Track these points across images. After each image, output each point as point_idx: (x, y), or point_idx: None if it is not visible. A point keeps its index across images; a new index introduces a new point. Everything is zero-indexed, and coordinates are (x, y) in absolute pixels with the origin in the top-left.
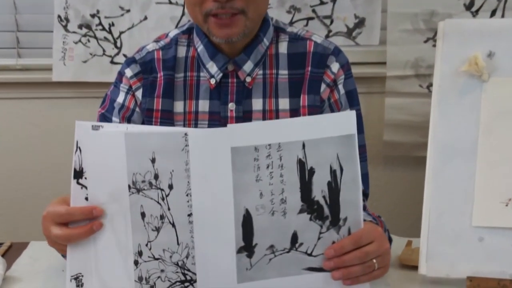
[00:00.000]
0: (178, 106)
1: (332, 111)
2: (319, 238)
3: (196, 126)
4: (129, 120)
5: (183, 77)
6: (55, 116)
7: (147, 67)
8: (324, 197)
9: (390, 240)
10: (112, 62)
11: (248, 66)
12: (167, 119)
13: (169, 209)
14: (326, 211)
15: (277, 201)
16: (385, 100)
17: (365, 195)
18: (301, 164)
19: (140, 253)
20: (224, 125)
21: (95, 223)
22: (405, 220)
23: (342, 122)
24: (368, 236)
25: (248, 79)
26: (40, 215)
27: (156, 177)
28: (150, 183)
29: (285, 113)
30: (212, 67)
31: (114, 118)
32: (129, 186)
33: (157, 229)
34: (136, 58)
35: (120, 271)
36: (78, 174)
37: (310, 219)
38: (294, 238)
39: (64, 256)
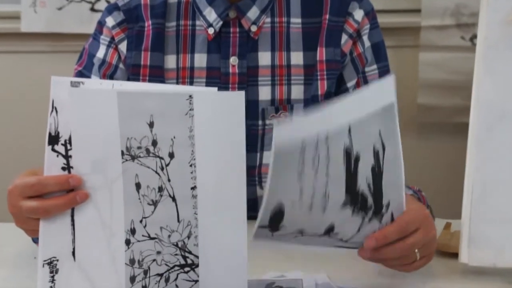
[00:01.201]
0: (170, 61)
1: (354, 66)
2: (358, 230)
3: (191, 84)
4: (111, 78)
5: (175, 27)
6: (24, 74)
7: (132, 14)
8: (368, 185)
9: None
10: (92, 9)
11: (253, 12)
12: (157, 76)
13: (169, 180)
14: (370, 200)
15: (319, 196)
16: (420, 55)
17: None
18: (348, 152)
19: (132, 231)
20: (225, 83)
21: (79, 192)
22: (443, 199)
23: (382, 90)
24: (414, 221)
25: (254, 28)
26: (5, 189)
27: (154, 143)
28: (148, 150)
29: (298, 69)
30: (211, 14)
31: (93, 77)
32: (122, 152)
33: (154, 203)
34: (119, 4)
35: (103, 254)
36: (54, 139)
37: (353, 213)
38: (330, 229)
39: (35, 240)
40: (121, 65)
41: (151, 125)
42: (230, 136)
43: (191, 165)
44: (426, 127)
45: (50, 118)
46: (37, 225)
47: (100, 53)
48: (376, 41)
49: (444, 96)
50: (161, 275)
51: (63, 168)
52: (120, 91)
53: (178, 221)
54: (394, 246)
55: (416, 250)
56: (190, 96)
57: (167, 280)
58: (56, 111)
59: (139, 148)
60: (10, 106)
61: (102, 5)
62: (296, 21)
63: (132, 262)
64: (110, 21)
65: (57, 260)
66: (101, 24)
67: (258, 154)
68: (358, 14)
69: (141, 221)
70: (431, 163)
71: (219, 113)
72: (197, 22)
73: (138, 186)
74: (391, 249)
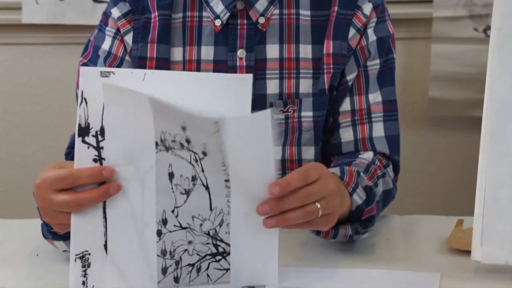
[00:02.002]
0: (176, 54)
1: (356, 59)
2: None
3: None
4: None
5: (182, 18)
6: (26, 66)
7: (138, 6)
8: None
9: (369, 198)
10: (95, 0)
11: (261, 3)
12: (164, 69)
13: (203, 171)
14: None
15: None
16: (431, 47)
17: (393, 161)
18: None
19: (164, 222)
20: None
21: (112, 184)
22: (455, 195)
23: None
24: (314, 170)
25: (262, 20)
26: (9, 184)
27: (188, 141)
28: (182, 144)
29: (306, 62)
30: (218, 5)
31: None
32: (156, 143)
33: (187, 192)
34: None
35: (135, 246)
36: (84, 131)
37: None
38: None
39: (47, 235)
40: (127, 57)
41: (183, 129)
42: (260, 156)
43: (223, 165)
44: (438, 121)
45: (79, 109)
46: (67, 219)
47: (106, 45)
48: (382, 35)
49: (456, 89)
50: (192, 265)
51: (95, 160)
52: (151, 98)
53: (211, 209)
54: (295, 193)
55: (318, 205)
56: (216, 122)
57: (198, 270)
58: (86, 102)
59: (173, 141)
60: (12, 99)
61: None
62: (305, 13)
63: (163, 253)
64: (115, 12)
65: (89, 254)
66: (106, 15)
67: None
68: (367, 7)
69: (172, 211)
70: (442, 159)
71: (246, 137)
72: (204, 14)
73: (171, 175)
74: (293, 198)
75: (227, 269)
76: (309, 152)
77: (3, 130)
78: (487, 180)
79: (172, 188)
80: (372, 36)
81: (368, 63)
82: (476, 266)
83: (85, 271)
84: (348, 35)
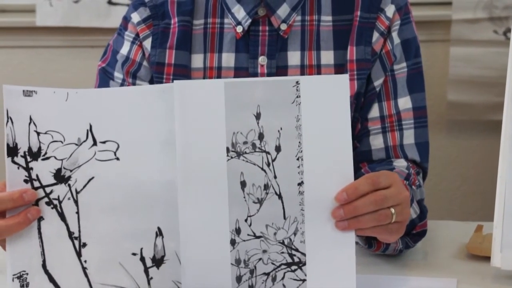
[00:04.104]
0: (197, 60)
1: (382, 64)
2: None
3: None
4: (134, 76)
5: (203, 25)
6: (40, 69)
7: (159, 11)
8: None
9: (422, 213)
10: (110, 2)
11: (283, 10)
12: (182, 75)
13: (275, 177)
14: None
15: None
16: (450, 50)
17: (422, 168)
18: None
19: (237, 231)
20: None
21: (29, 209)
22: (474, 200)
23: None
24: (386, 178)
25: (284, 27)
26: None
27: (261, 136)
28: (254, 145)
29: (328, 69)
30: (239, 12)
31: (116, 74)
32: (227, 149)
33: (260, 201)
34: (145, 0)
35: (75, 265)
36: (12, 151)
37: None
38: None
39: None
40: (144, 63)
41: (257, 116)
42: (336, 123)
43: (298, 159)
44: (456, 125)
45: (6, 129)
46: (3, 242)
47: (124, 50)
48: (407, 37)
49: (475, 93)
50: (267, 274)
51: (25, 181)
52: (227, 81)
53: (284, 218)
54: (366, 197)
55: (392, 210)
56: (297, 82)
57: (274, 279)
58: (12, 121)
59: (245, 143)
60: None
61: None
62: (326, 19)
63: (238, 262)
64: (135, 17)
65: (27, 274)
66: (126, 19)
67: None
68: (390, 10)
69: (246, 220)
70: (461, 163)
71: (325, 98)
72: (226, 20)
73: (243, 184)
74: (363, 201)
75: (304, 280)
76: None
77: None
78: (507, 185)
79: (244, 197)
80: (396, 39)
81: (395, 67)
82: (495, 272)
83: None
84: (371, 39)
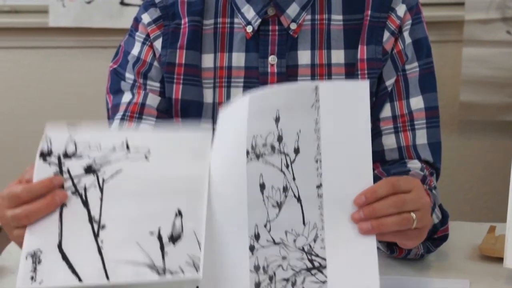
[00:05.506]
0: (207, 60)
1: (394, 64)
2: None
3: (229, 83)
4: (145, 76)
5: (213, 25)
6: (52, 70)
7: (169, 11)
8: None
9: (444, 217)
10: (122, 3)
11: (293, 9)
12: (193, 75)
13: (294, 178)
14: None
15: None
16: (463, 50)
17: (435, 169)
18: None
19: (257, 237)
20: (264, 83)
21: (57, 192)
22: (486, 201)
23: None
24: (406, 182)
25: (293, 26)
26: None
27: (279, 139)
28: (273, 147)
29: (339, 68)
30: (249, 12)
31: (127, 74)
32: (247, 152)
33: (279, 205)
34: (155, 1)
35: (90, 248)
36: (46, 154)
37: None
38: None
39: None
40: (155, 63)
41: (277, 120)
42: (356, 127)
43: (316, 161)
44: (469, 126)
45: (42, 142)
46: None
47: (135, 51)
48: (418, 37)
49: (488, 93)
50: (287, 279)
51: (55, 174)
52: (252, 95)
53: (304, 223)
54: (386, 199)
55: (413, 215)
56: (316, 87)
57: (293, 284)
58: (50, 138)
59: (264, 145)
60: (38, 103)
61: None
62: (337, 18)
63: (257, 268)
64: (146, 18)
65: (41, 252)
66: (137, 20)
67: None
68: (401, 9)
69: (265, 225)
70: (474, 164)
71: (344, 103)
72: (236, 20)
73: (262, 186)
74: (383, 203)
75: (324, 281)
76: None
77: (30, 132)
78: None
79: (263, 200)
80: (408, 39)
81: (407, 67)
82: (508, 274)
83: (35, 267)
84: (382, 38)
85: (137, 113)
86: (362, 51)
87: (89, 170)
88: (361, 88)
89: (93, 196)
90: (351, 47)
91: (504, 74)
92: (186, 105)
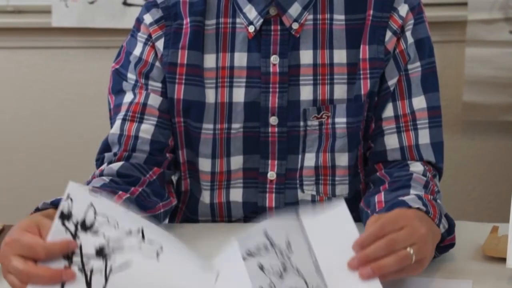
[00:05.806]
0: (209, 60)
1: (396, 63)
2: None
3: (231, 83)
4: (147, 77)
5: (215, 25)
6: (55, 70)
7: (171, 12)
8: None
9: (450, 226)
10: (125, 3)
11: (295, 9)
12: (195, 75)
13: (292, 266)
14: None
15: None
16: (466, 50)
17: (437, 169)
18: None
19: None
20: (266, 82)
21: (66, 270)
22: (489, 201)
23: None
24: (395, 221)
25: (295, 26)
26: (38, 191)
27: (271, 244)
28: (266, 247)
29: (341, 68)
30: (251, 11)
31: (129, 75)
32: (243, 257)
33: (281, 275)
34: (157, 2)
35: None
36: (66, 216)
37: None
38: None
39: None
40: (157, 63)
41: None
42: (346, 241)
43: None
44: (472, 126)
45: (63, 202)
46: (23, 284)
47: (137, 51)
48: (421, 37)
49: (491, 94)
50: None
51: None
52: (239, 238)
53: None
54: (376, 243)
55: (410, 250)
56: (301, 224)
57: None
58: (72, 200)
59: (258, 249)
60: (41, 103)
61: None
62: (339, 17)
63: None
64: (148, 18)
65: None
66: (139, 21)
67: (300, 156)
68: (403, 9)
69: None
70: (476, 164)
71: (328, 229)
72: (237, 20)
73: (261, 267)
74: (374, 247)
75: None
76: (342, 159)
77: (33, 132)
78: None
79: (264, 273)
80: (410, 39)
81: (409, 67)
82: (511, 274)
83: None
84: (384, 38)
85: (138, 113)
86: (364, 51)
87: (100, 253)
88: (341, 212)
89: (97, 282)
90: (353, 47)
91: (507, 74)
92: (188, 105)
